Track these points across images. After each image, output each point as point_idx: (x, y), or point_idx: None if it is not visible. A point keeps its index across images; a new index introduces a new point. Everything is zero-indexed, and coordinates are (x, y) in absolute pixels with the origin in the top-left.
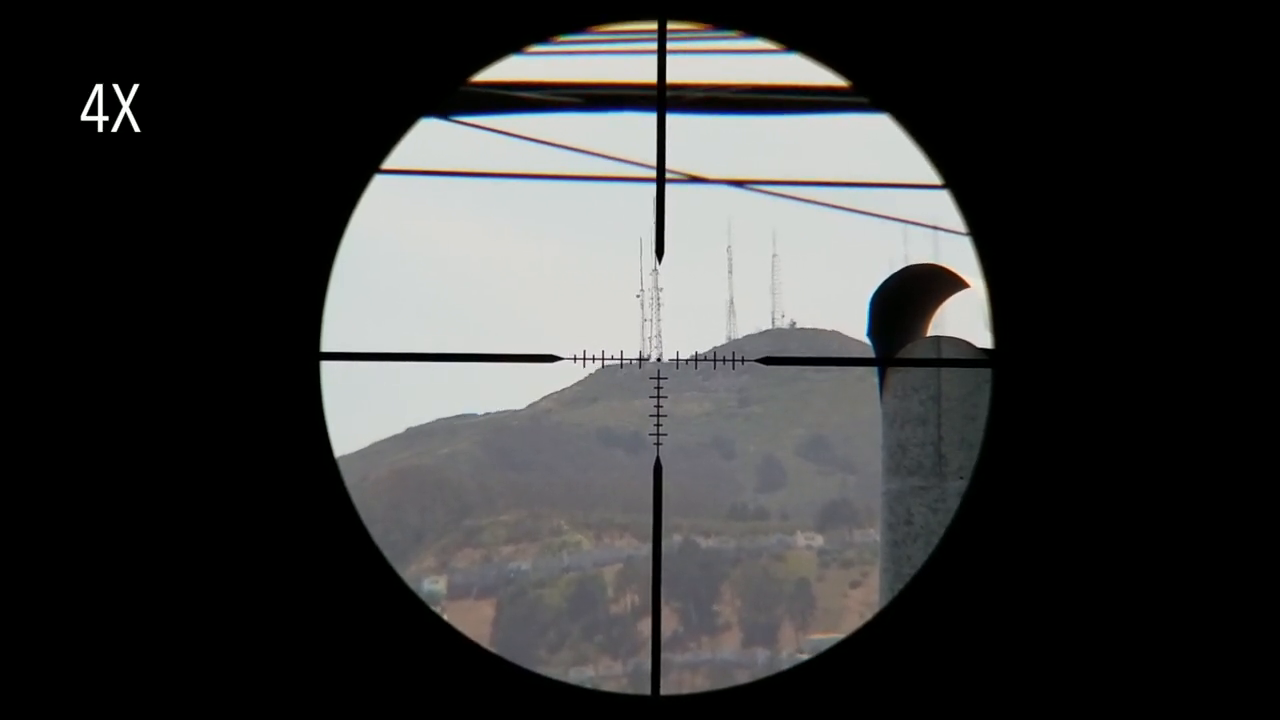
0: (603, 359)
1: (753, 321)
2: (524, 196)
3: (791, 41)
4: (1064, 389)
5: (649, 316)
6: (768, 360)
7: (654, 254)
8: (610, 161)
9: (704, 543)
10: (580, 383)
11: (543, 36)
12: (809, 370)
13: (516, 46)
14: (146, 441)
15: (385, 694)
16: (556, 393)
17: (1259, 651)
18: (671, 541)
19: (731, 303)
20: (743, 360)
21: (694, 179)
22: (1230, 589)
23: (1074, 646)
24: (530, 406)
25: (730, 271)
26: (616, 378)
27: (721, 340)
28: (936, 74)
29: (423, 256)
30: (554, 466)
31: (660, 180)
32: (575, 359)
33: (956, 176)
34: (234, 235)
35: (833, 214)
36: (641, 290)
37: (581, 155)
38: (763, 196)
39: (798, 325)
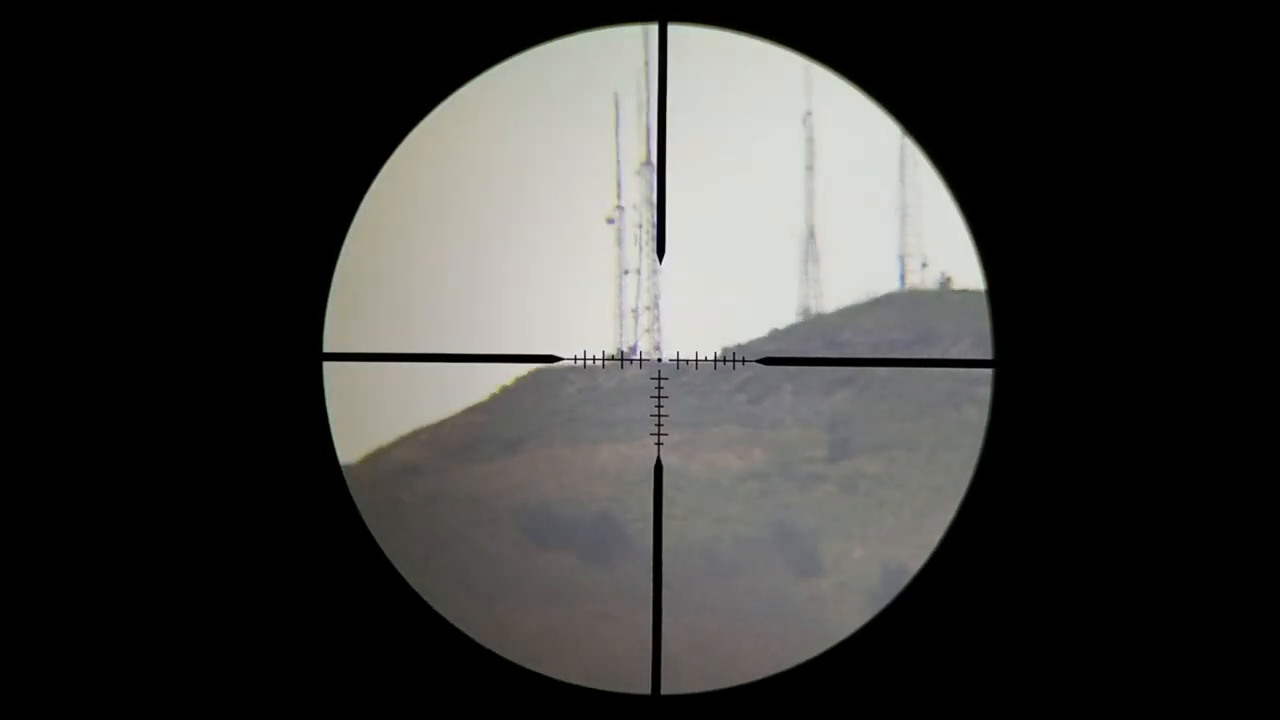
0: (603, 359)
1: (866, 274)
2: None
3: (792, 44)
4: (1064, 390)
5: (639, 267)
6: (768, 360)
7: (654, 251)
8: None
9: None
10: (495, 399)
11: (542, 39)
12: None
13: (516, 49)
14: (148, 441)
15: (387, 692)
16: (431, 428)
17: (1259, 651)
18: None
19: (811, 234)
20: (743, 361)
21: None
22: (1230, 589)
23: (1073, 646)
24: (367, 462)
25: (811, 168)
26: (550, 382)
27: (792, 318)
28: (939, 76)
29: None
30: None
31: (660, 195)
32: (575, 359)
33: (957, 177)
34: (235, 236)
35: None
36: (619, 207)
37: None
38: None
39: (955, 284)
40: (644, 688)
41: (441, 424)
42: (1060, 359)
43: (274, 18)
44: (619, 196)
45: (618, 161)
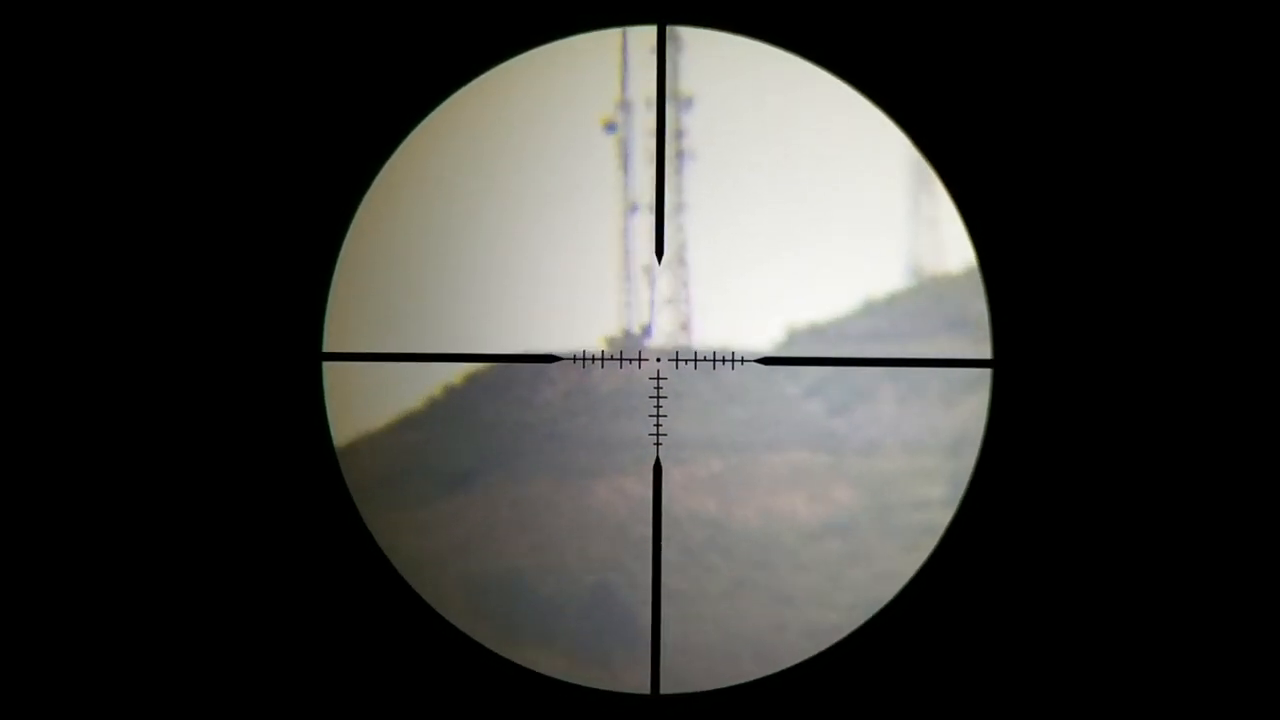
0: (603, 359)
1: None
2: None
3: (790, 45)
4: (1064, 390)
5: (654, 200)
6: (767, 360)
7: (654, 253)
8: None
9: None
10: (435, 407)
11: (541, 40)
12: None
13: (515, 50)
14: (147, 442)
15: (387, 692)
16: (338, 454)
17: (1259, 651)
18: None
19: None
20: (742, 361)
21: None
22: (1230, 589)
23: (1072, 646)
24: None
25: None
26: (521, 380)
27: (899, 282)
28: (937, 77)
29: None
30: None
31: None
32: (575, 359)
33: (955, 177)
34: (234, 236)
35: None
36: (623, 103)
37: None
38: None
39: None
40: (643, 687)
41: (353, 446)
42: (1059, 359)
43: (273, 18)
44: (624, 88)
45: (624, 34)
